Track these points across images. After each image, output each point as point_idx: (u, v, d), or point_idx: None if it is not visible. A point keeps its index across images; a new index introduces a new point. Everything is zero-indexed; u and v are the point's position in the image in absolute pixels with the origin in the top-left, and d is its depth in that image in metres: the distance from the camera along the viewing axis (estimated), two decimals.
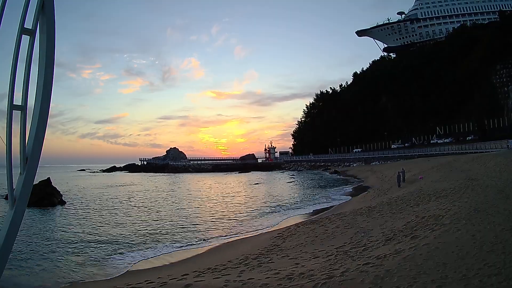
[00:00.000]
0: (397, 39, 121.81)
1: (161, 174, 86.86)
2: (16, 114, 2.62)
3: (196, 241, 14.74)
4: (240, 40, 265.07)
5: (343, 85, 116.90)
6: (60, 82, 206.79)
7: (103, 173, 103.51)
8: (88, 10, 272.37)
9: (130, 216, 21.57)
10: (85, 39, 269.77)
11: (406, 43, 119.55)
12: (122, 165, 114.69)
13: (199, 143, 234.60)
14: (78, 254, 12.79)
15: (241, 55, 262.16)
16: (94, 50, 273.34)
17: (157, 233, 16.31)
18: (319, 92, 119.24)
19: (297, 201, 27.45)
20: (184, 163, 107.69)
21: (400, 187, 24.08)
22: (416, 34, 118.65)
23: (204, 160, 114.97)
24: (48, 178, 27.35)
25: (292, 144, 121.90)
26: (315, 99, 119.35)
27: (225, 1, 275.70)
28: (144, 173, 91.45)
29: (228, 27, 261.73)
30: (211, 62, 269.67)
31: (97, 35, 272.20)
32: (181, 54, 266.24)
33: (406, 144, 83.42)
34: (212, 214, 22.10)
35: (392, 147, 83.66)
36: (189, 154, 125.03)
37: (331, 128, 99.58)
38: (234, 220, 19.49)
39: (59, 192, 28.47)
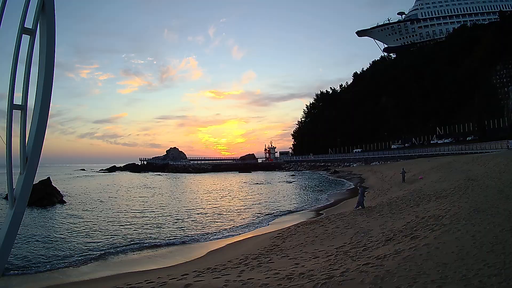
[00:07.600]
0: (397, 39, 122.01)
1: (161, 173, 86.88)
2: (16, 114, 2.60)
3: (196, 242, 14.75)
4: (237, 41, 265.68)
5: (343, 85, 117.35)
6: (59, 82, 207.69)
7: (104, 172, 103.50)
8: (85, 12, 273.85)
9: (130, 216, 21.54)
10: (83, 40, 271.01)
11: (406, 43, 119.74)
12: (122, 165, 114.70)
13: (199, 143, 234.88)
14: (78, 253, 12.78)
15: (239, 56, 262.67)
16: (92, 50, 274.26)
17: (156, 233, 16.32)
18: (318, 92, 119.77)
19: (297, 201, 27.45)
20: (184, 163, 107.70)
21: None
22: (416, 34, 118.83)
23: (204, 160, 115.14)
24: (48, 177, 27.32)
25: (292, 144, 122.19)
26: (315, 99, 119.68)
27: (221, 2, 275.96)
28: (144, 173, 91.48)
29: (225, 28, 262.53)
30: (209, 63, 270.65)
31: (94, 36, 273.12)
32: (178, 55, 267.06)
33: (406, 144, 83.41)
34: (212, 214, 22.07)
35: (392, 147, 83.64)
36: (188, 154, 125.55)
37: (331, 128, 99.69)
38: (234, 220, 19.48)
39: (59, 191, 28.44)
